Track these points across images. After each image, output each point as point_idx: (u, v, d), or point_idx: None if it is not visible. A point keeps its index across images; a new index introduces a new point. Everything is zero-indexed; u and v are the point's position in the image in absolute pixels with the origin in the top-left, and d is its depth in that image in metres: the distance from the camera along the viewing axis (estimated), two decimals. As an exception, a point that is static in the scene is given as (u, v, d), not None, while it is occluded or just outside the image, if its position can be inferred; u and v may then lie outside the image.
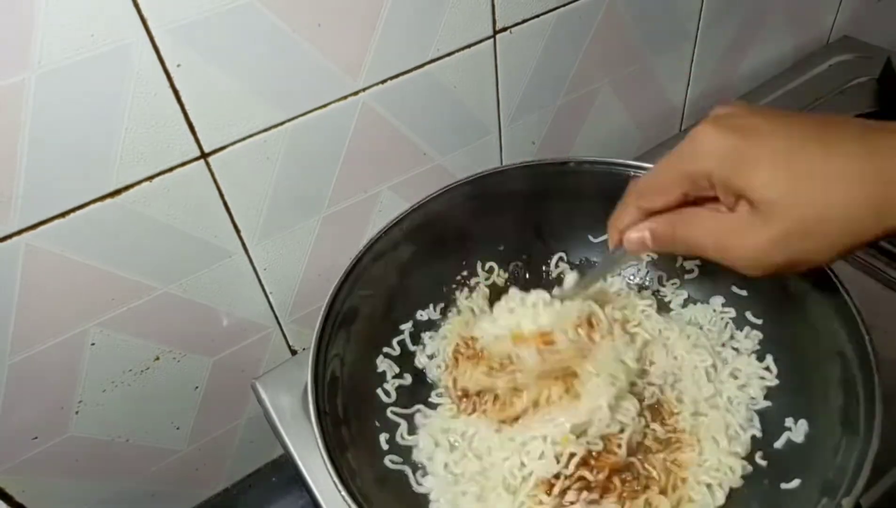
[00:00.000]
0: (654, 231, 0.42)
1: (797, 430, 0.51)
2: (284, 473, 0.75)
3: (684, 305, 0.63)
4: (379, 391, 0.58)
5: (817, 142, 0.35)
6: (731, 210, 0.38)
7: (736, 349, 0.59)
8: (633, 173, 0.60)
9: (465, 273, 0.65)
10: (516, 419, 0.54)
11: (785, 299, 0.55)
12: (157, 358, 0.59)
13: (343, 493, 0.43)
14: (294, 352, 0.69)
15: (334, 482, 0.44)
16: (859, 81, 0.87)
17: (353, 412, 0.53)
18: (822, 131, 0.36)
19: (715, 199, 0.39)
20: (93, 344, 0.54)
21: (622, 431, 0.52)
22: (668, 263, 0.64)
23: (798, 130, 0.36)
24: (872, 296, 0.64)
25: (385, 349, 0.59)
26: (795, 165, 0.35)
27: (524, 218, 0.65)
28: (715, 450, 0.52)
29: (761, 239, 0.36)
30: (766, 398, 0.55)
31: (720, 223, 0.39)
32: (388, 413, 0.57)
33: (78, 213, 0.48)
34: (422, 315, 0.63)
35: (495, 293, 0.64)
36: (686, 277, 0.63)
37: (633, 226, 0.43)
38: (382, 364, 0.59)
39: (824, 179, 0.34)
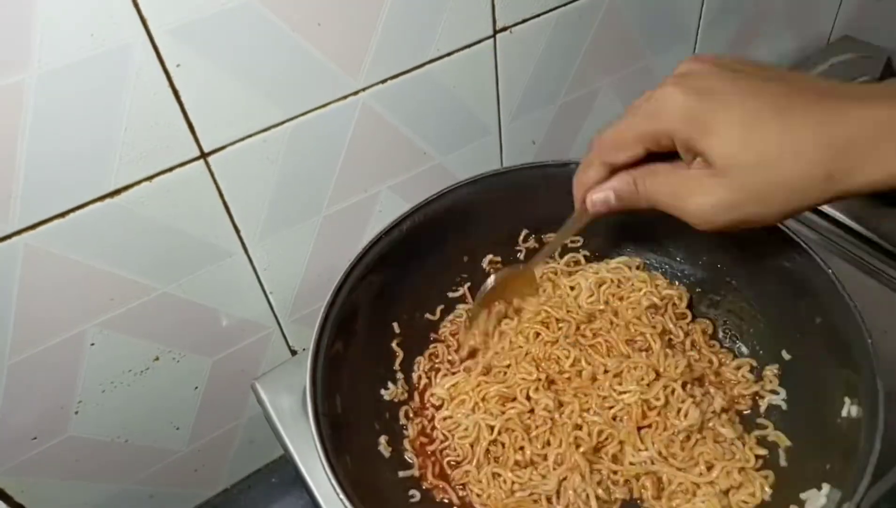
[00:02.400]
0: (618, 190, 0.44)
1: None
2: (284, 473, 0.75)
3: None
4: (379, 392, 0.58)
5: (774, 112, 0.37)
6: (689, 166, 0.40)
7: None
8: None
9: (464, 274, 0.65)
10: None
11: (788, 305, 0.55)
12: (157, 358, 0.59)
13: (341, 496, 0.43)
14: (294, 352, 0.69)
15: (332, 484, 0.44)
16: (860, 81, 0.87)
17: (353, 413, 0.53)
18: (783, 100, 0.37)
19: (676, 154, 0.41)
20: (92, 344, 0.54)
21: None
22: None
23: (757, 99, 0.37)
24: (872, 296, 0.64)
25: (385, 350, 0.59)
26: (751, 135, 0.37)
27: (524, 219, 0.65)
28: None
29: (714, 199, 0.38)
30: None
31: (678, 179, 0.40)
32: (388, 415, 0.57)
33: (77, 213, 0.48)
34: (422, 317, 0.63)
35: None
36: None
37: (597, 186, 0.45)
38: (382, 366, 0.59)
39: (778, 148, 0.36)
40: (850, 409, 0.47)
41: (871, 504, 0.52)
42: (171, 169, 0.50)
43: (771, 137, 0.36)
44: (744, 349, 0.60)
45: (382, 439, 0.55)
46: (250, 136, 0.53)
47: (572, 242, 0.66)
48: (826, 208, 0.71)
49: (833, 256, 0.67)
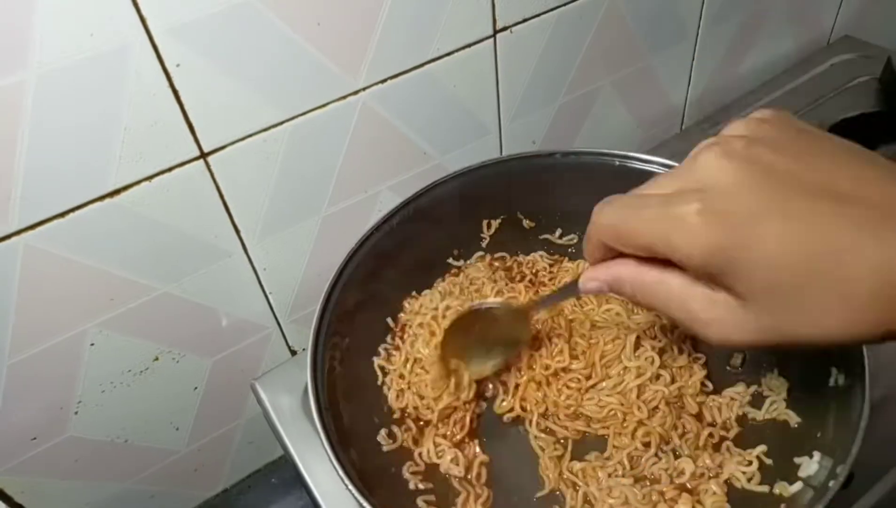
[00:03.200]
0: (615, 285, 0.38)
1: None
2: (284, 473, 0.75)
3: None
4: (378, 386, 0.58)
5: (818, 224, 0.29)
6: (697, 281, 0.34)
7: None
8: (617, 163, 0.61)
9: (457, 266, 0.65)
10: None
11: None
12: (157, 358, 0.59)
13: (350, 487, 0.43)
14: (294, 352, 0.69)
15: (340, 477, 0.44)
16: (860, 81, 0.87)
17: (353, 407, 0.53)
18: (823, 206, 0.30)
19: None
20: (92, 344, 0.54)
21: None
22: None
23: (797, 212, 0.30)
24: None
25: (383, 344, 0.60)
26: (796, 266, 0.29)
27: (515, 211, 0.66)
28: None
29: (748, 326, 0.32)
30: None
31: (694, 296, 0.34)
32: (387, 409, 0.57)
33: (77, 213, 0.48)
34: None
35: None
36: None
37: (596, 269, 0.39)
38: (381, 359, 0.59)
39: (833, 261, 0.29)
40: (836, 378, 0.48)
41: (870, 504, 0.52)
42: (170, 169, 0.50)
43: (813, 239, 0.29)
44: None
45: (383, 431, 0.55)
46: (250, 136, 0.53)
47: (568, 240, 0.67)
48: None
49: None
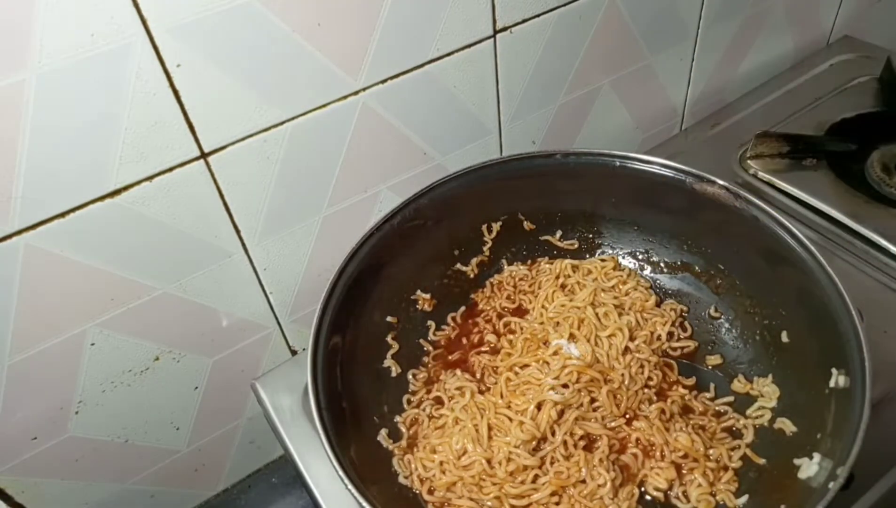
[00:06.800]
0: None
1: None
2: (284, 473, 0.75)
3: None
4: (379, 385, 0.58)
5: None
6: None
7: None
8: (617, 163, 0.62)
9: (457, 266, 0.65)
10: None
11: (772, 282, 0.57)
12: (157, 358, 0.59)
13: (350, 487, 0.43)
14: (294, 352, 0.69)
15: (340, 477, 0.44)
16: (860, 81, 0.87)
17: (353, 407, 0.53)
18: None
19: None
20: (92, 344, 0.54)
21: None
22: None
23: None
24: (872, 296, 0.64)
25: (383, 343, 0.60)
26: None
27: (515, 212, 0.66)
28: None
29: None
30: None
31: None
32: (387, 409, 0.57)
33: (78, 213, 0.48)
34: (417, 310, 0.63)
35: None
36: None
37: None
38: (384, 360, 0.59)
39: None
40: (837, 379, 0.48)
41: (869, 504, 0.52)
42: (171, 169, 0.50)
43: None
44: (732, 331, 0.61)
45: (383, 431, 0.55)
46: (250, 136, 0.53)
47: (569, 244, 0.67)
48: (826, 208, 0.71)
49: (833, 256, 0.67)
